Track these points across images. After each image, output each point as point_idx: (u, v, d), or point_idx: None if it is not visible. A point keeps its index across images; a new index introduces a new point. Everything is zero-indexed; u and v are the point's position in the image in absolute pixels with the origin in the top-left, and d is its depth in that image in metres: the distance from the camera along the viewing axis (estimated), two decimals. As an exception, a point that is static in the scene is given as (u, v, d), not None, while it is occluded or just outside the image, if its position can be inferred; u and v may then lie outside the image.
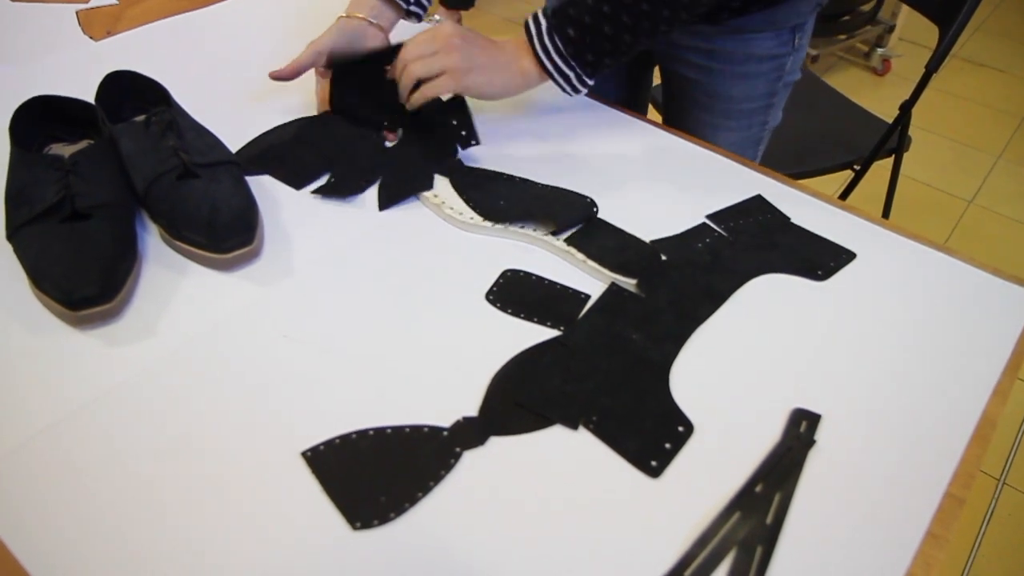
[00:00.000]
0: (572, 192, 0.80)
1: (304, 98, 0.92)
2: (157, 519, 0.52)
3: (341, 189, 0.80)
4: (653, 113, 1.27)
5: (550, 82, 0.82)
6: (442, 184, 0.81)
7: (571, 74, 0.80)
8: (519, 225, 0.75)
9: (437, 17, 2.70)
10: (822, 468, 0.57)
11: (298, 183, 0.81)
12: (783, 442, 0.59)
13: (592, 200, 0.78)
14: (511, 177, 0.83)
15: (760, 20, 0.91)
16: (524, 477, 0.56)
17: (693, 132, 0.93)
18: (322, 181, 0.81)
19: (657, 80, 1.20)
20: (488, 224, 0.75)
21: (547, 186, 0.81)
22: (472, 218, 0.76)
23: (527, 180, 0.82)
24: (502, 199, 0.78)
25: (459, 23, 2.76)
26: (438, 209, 0.78)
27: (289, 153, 0.84)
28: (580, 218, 0.76)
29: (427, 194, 0.79)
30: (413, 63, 0.79)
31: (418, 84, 0.80)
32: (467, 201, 0.78)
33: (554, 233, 0.74)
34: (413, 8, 0.92)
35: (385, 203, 0.79)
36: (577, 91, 0.82)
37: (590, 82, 0.82)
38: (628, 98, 1.18)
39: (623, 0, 0.75)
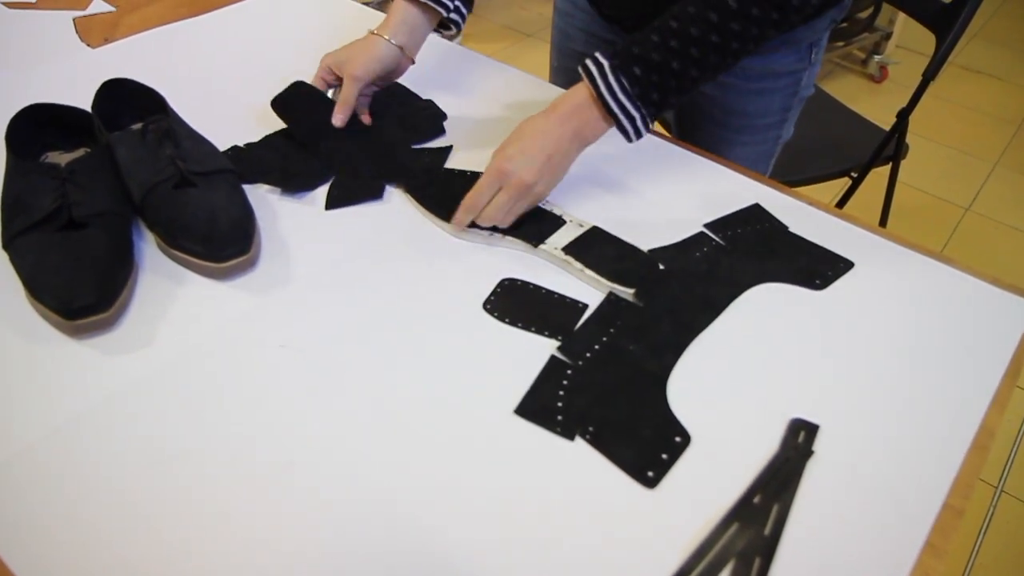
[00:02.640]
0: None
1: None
2: (153, 529, 0.52)
3: (288, 185, 0.80)
4: (657, 126, 1.26)
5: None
6: (401, 193, 0.81)
7: (636, 116, 0.75)
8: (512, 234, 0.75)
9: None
10: (820, 478, 0.57)
11: (250, 179, 0.81)
12: (781, 452, 0.59)
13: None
14: (463, 172, 0.83)
15: (778, 38, 0.90)
16: (521, 488, 0.56)
17: (706, 147, 0.92)
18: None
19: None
20: (485, 233, 0.75)
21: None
22: (444, 225, 0.76)
23: (478, 174, 0.82)
24: (455, 200, 0.77)
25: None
26: (434, 220, 0.78)
27: (249, 153, 0.84)
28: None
29: (416, 206, 0.79)
30: (502, 220, 0.75)
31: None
32: (428, 209, 0.78)
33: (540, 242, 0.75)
34: (453, 16, 0.90)
35: (331, 204, 0.79)
36: (639, 135, 0.76)
37: (652, 125, 0.77)
38: None
39: (691, 33, 0.71)
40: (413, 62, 0.90)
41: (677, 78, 0.73)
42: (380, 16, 1.13)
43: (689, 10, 0.72)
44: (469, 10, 0.92)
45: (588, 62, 0.75)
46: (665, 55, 0.72)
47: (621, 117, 0.74)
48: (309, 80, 0.89)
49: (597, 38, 1.05)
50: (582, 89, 0.75)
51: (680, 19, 0.72)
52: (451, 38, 0.93)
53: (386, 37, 0.86)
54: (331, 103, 0.87)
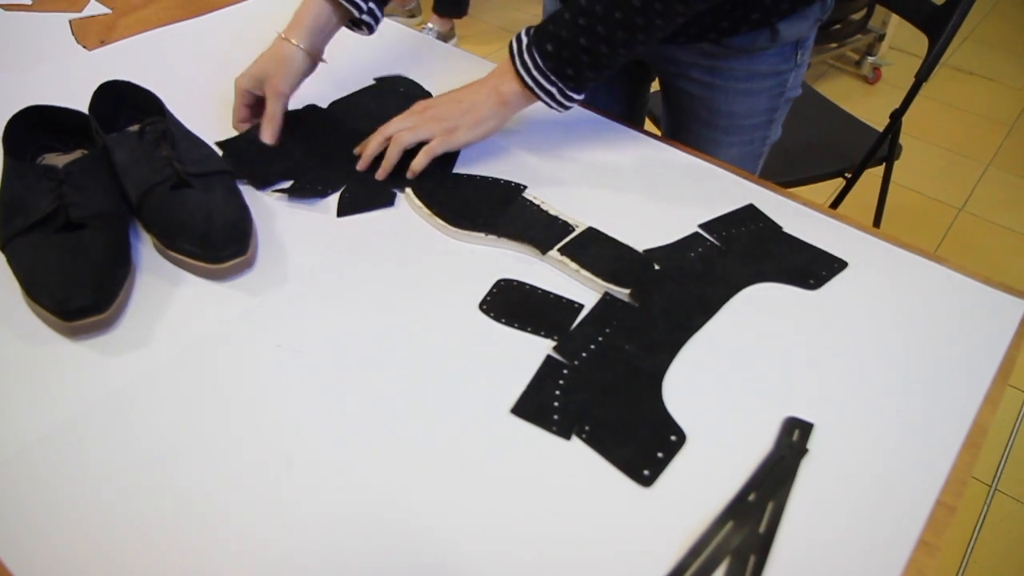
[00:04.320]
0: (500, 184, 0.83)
1: (297, 106, 0.92)
2: (150, 529, 0.52)
3: (301, 192, 0.80)
4: (650, 126, 1.27)
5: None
6: (410, 196, 0.81)
7: (553, 89, 0.80)
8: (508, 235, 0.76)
9: (430, 25, 2.71)
10: (815, 477, 0.58)
11: (261, 184, 0.81)
12: (776, 451, 0.59)
13: (517, 184, 0.82)
14: (472, 177, 0.83)
15: (763, 38, 0.91)
16: (517, 487, 0.56)
17: (694, 147, 0.93)
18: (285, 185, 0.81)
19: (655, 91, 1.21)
20: (481, 234, 0.76)
21: (508, 187, 0.83)
22: (444, 225, 0.77)
23: (487, 178, 0.83)
24: (464, 203, 0.79)
25: (452, 31, 2.78)
26: (431, 219, 0.78)
27: (259, 155, 0.84)
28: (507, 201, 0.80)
29: (418, 204, 0.79)
30: (400, 134, 0.81)
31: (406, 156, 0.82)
32: (432, 208, 0.78)
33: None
34: (366, 18, 0.90)
35: (343, 211, 0.79)
36: (563, 107, 0.82)
37: (577, 97, 0.82)
38: (626, 111, 1.18)
39: (595, 12, 0.75)
40: (324, 60, 0.90)
41: (588, 53, 0.78)
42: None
43: None
44: (382, 14, 0.93)
45: (513, 40, 0.81)
46: (574, 32, 0.77)
47: (536, 90, 0.81)
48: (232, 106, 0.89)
49: None
50: (505, 59, 0.82)
51: None
52: (368, 33, 0.94)
53: (299, 45, 0.86)
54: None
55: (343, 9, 0.88)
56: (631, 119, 1.10)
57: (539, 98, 0.81)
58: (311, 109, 0.90)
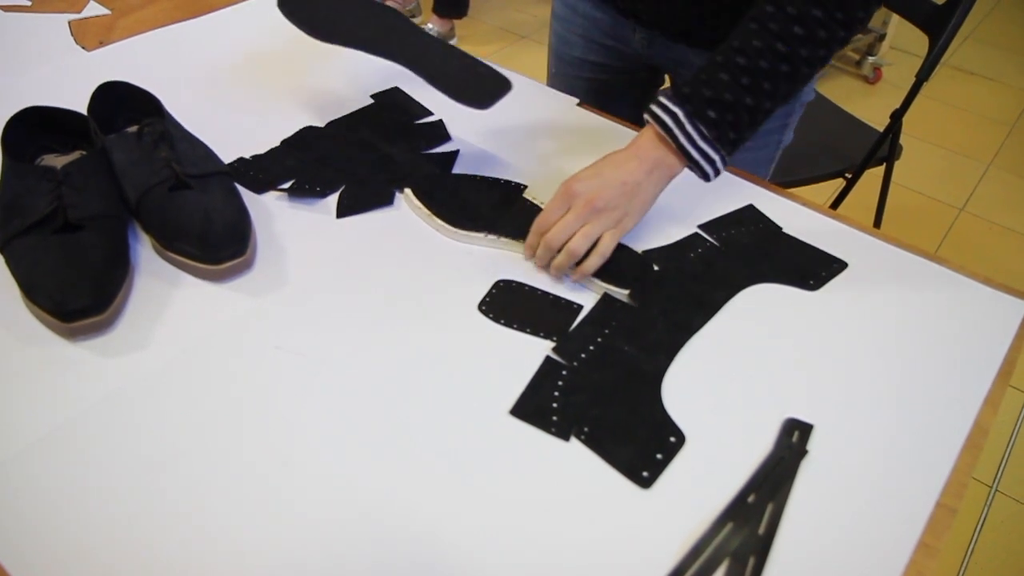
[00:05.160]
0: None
1: (297, 106, 0.92)
2: (148, 530, 0.52)
3: (300, 192, 0.80)
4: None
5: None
6: (409, 196, 0.81)
7: (716, 158, 0.73)
8: (507, 235, 0.75)
9: (430, 25, 2.71)
10: (814, 478, 0.58)
11: (259, 189, 0.81)
12: (775, 452, 0.59)
13: (518, 184, 0.79)
14: (472, 177, 0.83)
15: None
16: (516, 488, 0.56)
17: None
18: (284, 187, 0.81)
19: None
20: (481, 234, 0.76)
21: (508, 187, 0.82)
22: (443, 226, 0.77)
23: (487, 178, 0.83)
24: (464, 203, 0.78)
25: (452, 31, 2.78)
26: (430, 220, 0.78)
27: (259, 168, 0.84)
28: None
29: (417, 205, 0.79)
30: (573, 244, 0.70)
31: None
32: (432, 208, 0.78)
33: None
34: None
35: (343, 212, 0.79)
36: (718, 174, 0.75)
37: (727, 162, 0.75)
38: (634, 116, 1.17)
39: (761, 67, 0.70)
40: None
41: (751, 113, 0.72)
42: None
43: (755, 43, 0.70)
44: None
45: (658, 111, 0.73)
46: (738, 93, 0.71)
47: (703, 162, 0.73)
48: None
49: (596, 43, 1.06)
50: (653, 135, 0.74)
51: (747, 53, 0.70)
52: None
53: None
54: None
55: None
56: (639, 123, 1.08)
57: (701, 170, 0.74)
58: (308, 131, 0.89)
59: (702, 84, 0.72)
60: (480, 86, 0.70)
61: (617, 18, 1.01)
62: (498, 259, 0.75)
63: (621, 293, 0.71)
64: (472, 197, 0.80)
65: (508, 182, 0.83)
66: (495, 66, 0.86)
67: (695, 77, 0.73)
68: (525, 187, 0.82)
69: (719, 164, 0.74)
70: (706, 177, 0.75)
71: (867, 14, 0.71)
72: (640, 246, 0.76)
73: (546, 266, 0.73)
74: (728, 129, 0.72)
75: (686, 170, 0.75)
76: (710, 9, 0.91)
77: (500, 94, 0.71)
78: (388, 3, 0.89)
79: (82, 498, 0.54)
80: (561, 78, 1.13)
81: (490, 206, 0.79)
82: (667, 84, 1.13)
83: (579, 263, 0.71)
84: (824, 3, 0.69)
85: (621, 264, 0.73)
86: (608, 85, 1.11)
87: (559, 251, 0.71)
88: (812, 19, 0.69)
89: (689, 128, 0.72)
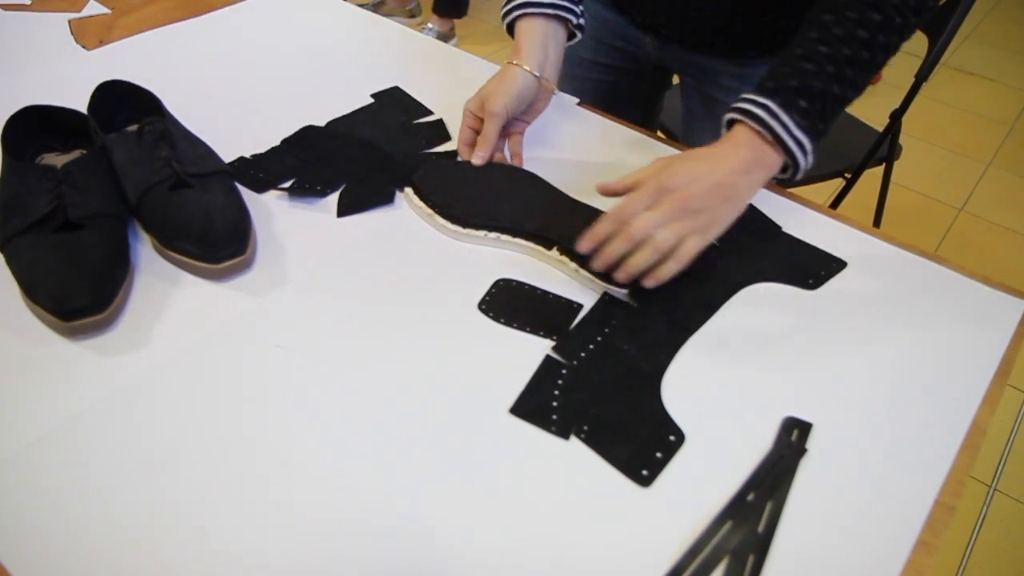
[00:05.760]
0: (537, 183, 0.81)
1: (297, 106, 0.92)
2: (149, 529, 0.52)
3: (300, 191, 0.80)
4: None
5: None
6: (410, 195, 0.81)
7: (810, 148, 0.70)
8: (509, 234, 0.75)
9: (430, 25, 2.71)
10: (814, 476, 0.58)
11: (260, 188, 0.81)
12: (775, 450, 0.59)
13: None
14: (477, 167, 0.83)
15: None
16: (515, 487, 0.56)
17: None
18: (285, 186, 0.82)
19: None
20: (481, 233, 0.76)
21: (517, 172, 0.82)
22: (444, 225, 0.77)
23: (498, 166, 0.83)
24: (465, 201, 0.78)
25: (452, 31, 2.78)
26: (430, 219, 0.78)
27: (259, 169, 0.84)
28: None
29: (418, 204, 0.79)
30: (659, 238, 0.66)
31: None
32: (432, 206, 0.78)
33: (540, 240, 0.75)
34: (582, 21, 0.86)
35: (343, 211, 0.79)
36: (806, 170, 0.72)
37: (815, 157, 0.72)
38: (641, 118, 1.16)
39: (844, 54, 0.69)
40: (553, 91, 0.85)
41: (837, 102, 0.70)
42: (375, 18, 1.14)
43: (836, 32, 0.69)
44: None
45: (748, 106, 0.70)
46: (826, 81, 0.69)
47: (798, 154, 0.70)
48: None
49: (606, 44, 1.05)
50: (747, 132, 0.70)
51: (829, 42, 0.69)
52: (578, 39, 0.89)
53: (516, 61, 0.82)
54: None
55: (560, 20, 0.84)
56: (646, 125, 1.07)
57: (795, 164, 0.71)
58: (309, 130, 0.89)
59: (787, 76, 0.70)
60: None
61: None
62: (498, 258, 0.75)
63: (621, 292, 0.71)
64: (477, 187, 0.80)
65: (516, 168, 0.83)
66: (497, 66, 0.86)
67: (775, 71, 0.71)
68: (530, 173, 0.82)
69: (811, 157, 0.71)
70: (796, 171, 0.72)
71: (935, 2, 0.71)
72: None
73: (610, 263, 0.68)
74: (817, 119, 0.70)
75: None
76: (735, 28, 0.90)
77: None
78: (388, 3, 0.89)
79: (82, 498, 0.54)
80: (569, 79, 1.12)
81: (495, 196, 0.79)
82: (676, 82, 1.13)
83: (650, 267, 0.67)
84: None
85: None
86: (616, 86, 1.11)
87: (636, 247, 0.66)
88: (889, 5, 0.69)
89: (785, 118, 0.69)
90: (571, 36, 0.88)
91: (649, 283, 0.67)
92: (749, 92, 0.71)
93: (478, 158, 0.81)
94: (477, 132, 0.83)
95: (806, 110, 0.69)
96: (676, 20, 0.94)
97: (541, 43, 0.84)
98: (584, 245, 0.69)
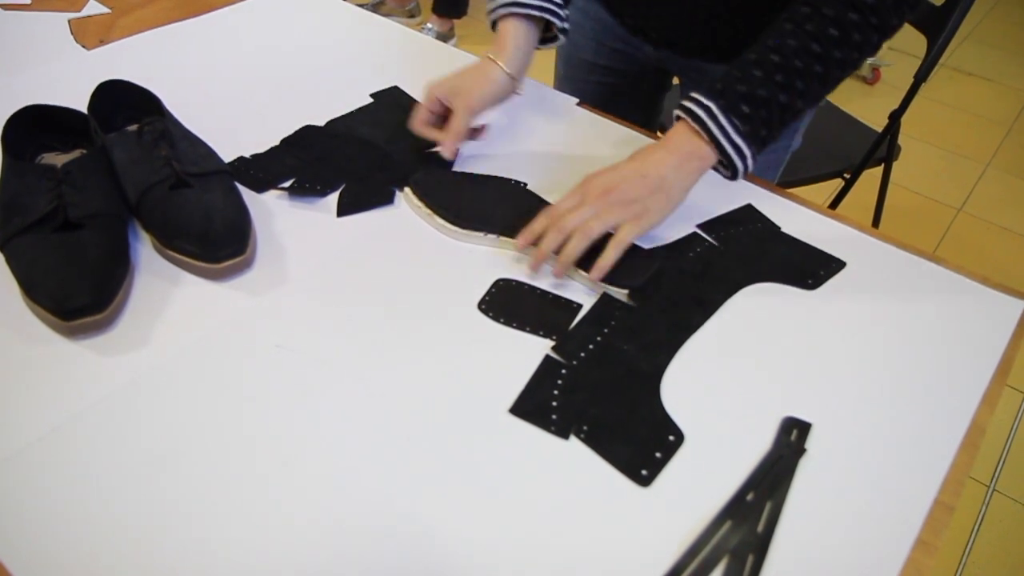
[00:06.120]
0: (526, 193, 0.81)
1: (297, 106, 0.92)
2: (149, 529, 0.52)
3: (301, 191, 0.80)
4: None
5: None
6: (409, 195, 0.81)
7: (748, 154, 0.72)
8: (507, 235, 0.76)
9: (429, 25, 2.71)
10: (813, 476, 0.58)
11: (259, 188, 0.81)
12: (774, 450, 0.59)
13: (518, 182, 0.78)
14: (472, 175, 0.83)
15: None
16: (515, 487, 0.56)
17: None
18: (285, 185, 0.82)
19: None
20: (480, 234, 0.76)
21: (510, 183, 0.82)
22: (443, 225, 0.77)
23: (492, 177, 0.83)
24: (460, 207, 0.78)
25: (451, 31, 2.78)
26: (430, 219, 0.78)
27: (258, 168, 0.84)
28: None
29: (417, 204, 0.79)
30: (587, 225, 0.69)
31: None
32: (431, 207, 0.78)
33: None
34: (565, 25, 0.86)
35: (343, 211, 0.79)
36: (745, 173, 0.74)
37: (755, 161, 0.74)
38: (642, 119, 1.16)
39: (795, 66, 0.70)
40: (520, 94, 0.85)
41: (783, 111, 0.72)
42: (375, 19, 1.14)
43: (790, 43, 0.70)
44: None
45: (690, 105, 0.72)
46: (772, 90, 0.71)
47: (735, 157, 0.72)
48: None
49: (607, 47, 1.05)
50: (686, 129, 0.73)
51: (782, 52, 0.70)
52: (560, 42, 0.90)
53: (503, 65, 0.82)
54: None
55: (539, 23, 0.85)
56: (646, 126, 1.06)
57: (731, 166, 0.73)
58: (308, 130, 0.89)
59: (736, 80, 0.71)
60: (626, 266, 0.70)
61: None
62: (498, 258, 0.75)
63: (620, 293, 0.71)
64: (472, 195, 0.80)
65: (509, 179, 0.83)
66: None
67: (728, 73, 0.72)
68: (525, 184, 0.82)
69: (750, 161, 0.73)
70: (734, 175, 0.74)
71: (900, 21, 0.71)
72: (640, 244, 0.76)
73: (546, 259, 0.71)
74: (760, 126, 0.72)
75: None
76: (723, 32, 0.90)
77: (648, 271, 0.70)
78: (387, 3, 0.89)
79: (82, 497, 0.54)
80: (570, 81, 1.12)
81: (491, 203, 0.79)
82: (676, 84, 1.13)
83: (590, 261, 0.69)
84: (860, 7, 0.69)
85: (630, 264, 0.72)
86: (616, 88, 1.11)
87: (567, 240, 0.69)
88: (848, 22, 0.69)
89: (723, 121, 0.71)
90: (555, 38, 0.88)
91: (594, 275, 0.69)
92: (697, 91, 0.73)
93: (448, 150, 0.82)
94: (435, 114, 0.84)
95: (748, 116, 0.71)
96: (666, 25, 0.94)
97: (524, 46, 0.85)
98: (521, 242, 0.73)
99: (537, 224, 0.72)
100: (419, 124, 0.85)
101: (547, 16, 0.84)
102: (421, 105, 0.85)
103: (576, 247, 0.69)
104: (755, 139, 0.72)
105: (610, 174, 0.72)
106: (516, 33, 0.84)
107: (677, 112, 0.74)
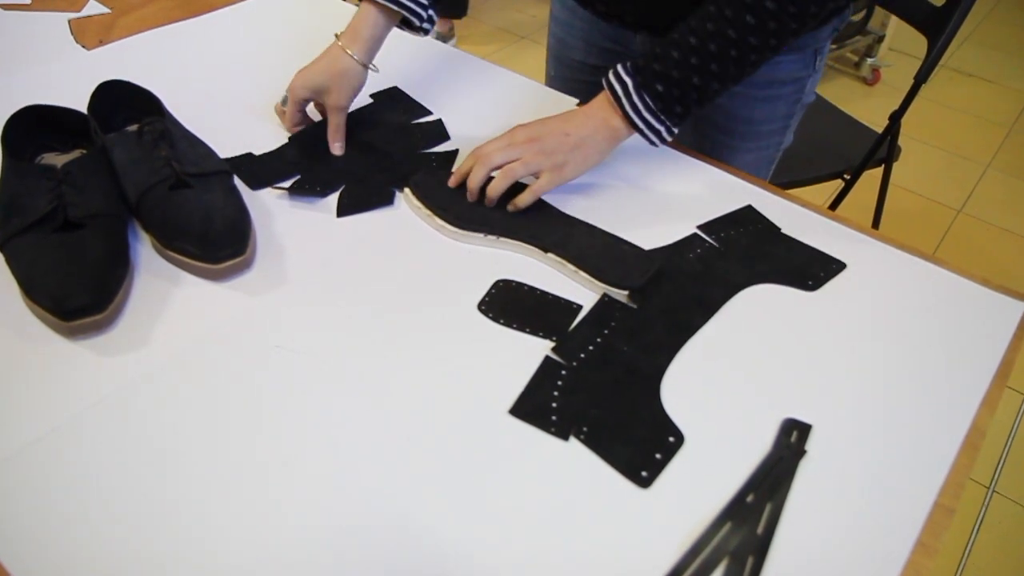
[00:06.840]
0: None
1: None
2: (147, 529, 0.52)
3: (301, 190, 0.80)
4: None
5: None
6: (409, 196, 0.81)
7: (661, 128, 0.78)
8: (506, 236, 0.76)
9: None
10: (813, 478, 0.58)
11: (256, 185, 0.81)
12: (774, 452, 0.59)
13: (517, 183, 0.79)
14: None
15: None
16: (515, 488, 0.56)
17: (709, 153, 0.93)
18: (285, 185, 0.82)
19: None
20: (480, 234, 0.76)
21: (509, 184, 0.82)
22: (443, 225, 0.77)
23: (491, 178, 0.82)
24: (465, 202, 0.78)
25: (452, 31, 2.78)
26: (430, 220, 0.78)
27: (260, 166, 0.84)
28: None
29: (417, 205, 0.79)
30: (511, 167, 0.77)
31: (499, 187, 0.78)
32: (431, 208, 0.78)
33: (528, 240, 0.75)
34: (426, 25, 0.90)
35: (343, 211, 0.79)
36: (664, 142, 0.80)
37: (676, 132, 0.80)
38: None
39: (709, 50, 0.74)
40: (375, 68, 0.89)
41: (698, 91, 0.76)
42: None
43: (708, 26, 0.73)
44: (438, 15, 0.92)
45: (612, 79, 0.78)
46: (686, 71, 0.75)
47: (645, 131, 0.78)
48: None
49: (596, 47, 1.05)
50: (606, 100, 0.79)
51: (699, 35, 0.74)
52: (424, 35, 0.93)
53: (355, 57, 0.85)
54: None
55: (398, 16, 0.87)
56: None
57: (644, 136, 0.79)
58: (309, 129, 0.89)
59: (654, 59, 0.76)
60: (625, 266, 0.71)
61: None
62: (498, 259, 0.75)
63: (620, 293, 0.71)
64: (466, 198, 0.80)
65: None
66: (500, 68, 0.86)
67: (651, 51, 0.77)
68: (525, 186, 0.82)
69: (664, 134, 0.79)
70: (651, 143, 0.80)
71: (819, 10, 0.73)
72: (639, 245, 0.76)
73: (475, 193, 0.78)
74: (674, 103, 0.77)
75: (683, 176, 0.77)
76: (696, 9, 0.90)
77: (647, 272, 0.71)
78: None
79: (82, 497, 0.54)
80: (560, 81, 1.12)
81: (486, 206, 0.79)
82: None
83: (510, 198, 0.76)
84: None
85: (630, 263, 0.73)
86: None
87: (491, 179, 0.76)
88: (764, 10, 0.72)
89: (635, 98, 0.77)
90: (413, 28, 0.90)
91: (511, 208, 0.77)
92: (620, 65, 0.79)
93: (337, 149, 0.87)
94: (304, 114, 0.89)
95: (661, 94, 0.76)
96: (639, 8, 0.95)
97: (380, 35, 0.87)
98: (452, 180, 0.80)
99: (465, 163, 0.79)
100: (293, 127, 0.89)
101: (405, 13, 0.87)
102: (291, 110, 0.87)
103: (500, 184, 0.77)
104: (670, 115, 0.78)
105: (536, 126, 0.79)
106: (375, 23, 0.86)
107: (602, 81, 0.79)
